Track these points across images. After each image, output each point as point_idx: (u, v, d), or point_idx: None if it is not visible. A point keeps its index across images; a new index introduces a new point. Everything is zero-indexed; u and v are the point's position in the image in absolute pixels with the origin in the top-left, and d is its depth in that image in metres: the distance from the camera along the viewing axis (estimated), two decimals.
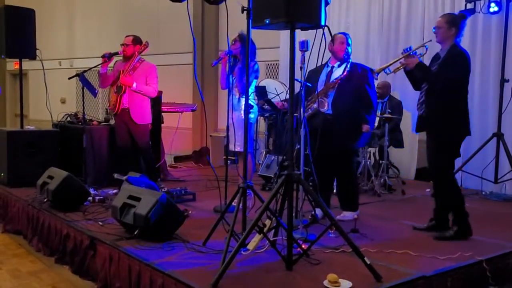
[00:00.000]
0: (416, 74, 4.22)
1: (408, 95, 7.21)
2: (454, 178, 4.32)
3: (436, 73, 4.13)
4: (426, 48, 4.42)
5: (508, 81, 6.03)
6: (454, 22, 4.14)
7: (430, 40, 4.33)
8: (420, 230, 4.39)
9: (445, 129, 4.12)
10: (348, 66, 4.62)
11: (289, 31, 3.29)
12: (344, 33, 4.79)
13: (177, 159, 9.19)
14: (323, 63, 4.46)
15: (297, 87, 4.22)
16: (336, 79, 4.59)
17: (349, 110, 4.56)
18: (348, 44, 4.67)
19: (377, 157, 6.79)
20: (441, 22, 4.18)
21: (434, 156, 4.25)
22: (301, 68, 4.02)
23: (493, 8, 6.10)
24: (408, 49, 4.25)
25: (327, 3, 3.34)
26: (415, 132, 4.90)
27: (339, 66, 4.68)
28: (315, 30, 3.41)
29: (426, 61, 4.45)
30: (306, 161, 4.39)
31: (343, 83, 4.57)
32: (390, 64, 4.43)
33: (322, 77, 4.70)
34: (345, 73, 4.56)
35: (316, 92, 4.63)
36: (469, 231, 4.14)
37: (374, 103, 4.71)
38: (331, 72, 4.69)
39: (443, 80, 4.07)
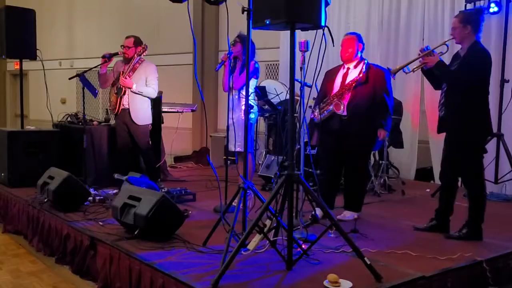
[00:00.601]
0: (435, 72, 4.17)
1: (407, 96, 7.23)
2: (484, 182, 4.20)
3: (456, 71, 4.07)
4: (447, 46, 4.35)
5: (508, 81, 6.02)
6: (469, 20, 4.06)
7: (452, 38, 4.19)
8: (420, 230, 4.38)
9: (467, 129, 4.05)
10: (364, 67, 4.60)
11: (289, 31, 3.29)
12: (353, 33, 4.77)
13: (177, 159, 9.19)
14: (325, 63, 4.45)
15: (297, 88, 4.23)
16: (351, 81, 4.58)
17: (364, 113, 4.55)
18: (361, 43, 4.66)
19: (377, 158, 6.79)
20: (455, 22, 4.12)
21: (459, 158, 4.15)
22: (301, 68, 4.02)
23: (493, 8, 6.09)
24: (426, 49, 4.22)
25: (327, 4, 3.34)
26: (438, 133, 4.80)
27: (354, 67, 4.66)
28: (315, 30, 3.42)
29: (446, 60, 4.33)
30: (306, 161, 4.40)
31: (358, 85, 4.56)
32: (409, 63, 4.39)
33: (338, 78, 4.70)
34: (361, 75, 4.55)
35: (332, 94, 4.64)
36: (480, 236, 4.11)
37: (390, 108, 4.68)
38: (347, 73, 4.68)
39: (463, 78, 4.01)
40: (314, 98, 4.90)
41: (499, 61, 6.13)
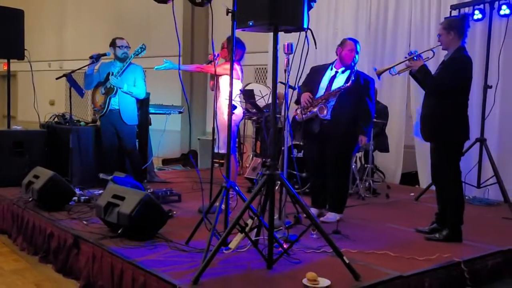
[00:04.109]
0: (418, 77, 4.26)
1: (393, 100, 7.30)
2: (459, 183, 4.24)
3: (435, 77, 4.17)
4: (433, 52, 4.44)
5: (491, 87, 6.10)
6: (452, 26, 4.14)
7: (439, 45, 4.28)
8: (422, 232, 4.35)
9: (440, 130, 4.13)
10: (353, 75, 4.63)
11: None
12: (354, 40, 4.80)
13: (165, 161, 9.20)
14: (319, 64, 4.48)
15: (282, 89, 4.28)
16: (339, 88, 4.63)
17: (347, 119, 4.62)
18: (357, 52, 4.71)
19: (363, 161, 6.84)
20: (440, 28, 4.22)
21: (435, 159, 4.27)
22: (285, 70, 4.07)
23: (477, 15, 6.19)
24: (413, 52, 4.30)
25: (310, 7, 3.40)
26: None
27: (343, 72, 4.71)
28: (299, 33, 3.47)
29: (433, 66, 4.45)
30: (290, 162, 4.44)
31: (345, 92, 4.61)
32: (395, 65, 4.46)
33: (325, 80, 4.74)
34: (348, 84, 4.58)
35: (317, 96, 4.69)
36: (459, 238, 4.17)
37: (373, 115, 4.78)
38: (334, 77, 4.72)
39: (437, 84, 4.11)
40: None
41: (482, 67, 6.22)
